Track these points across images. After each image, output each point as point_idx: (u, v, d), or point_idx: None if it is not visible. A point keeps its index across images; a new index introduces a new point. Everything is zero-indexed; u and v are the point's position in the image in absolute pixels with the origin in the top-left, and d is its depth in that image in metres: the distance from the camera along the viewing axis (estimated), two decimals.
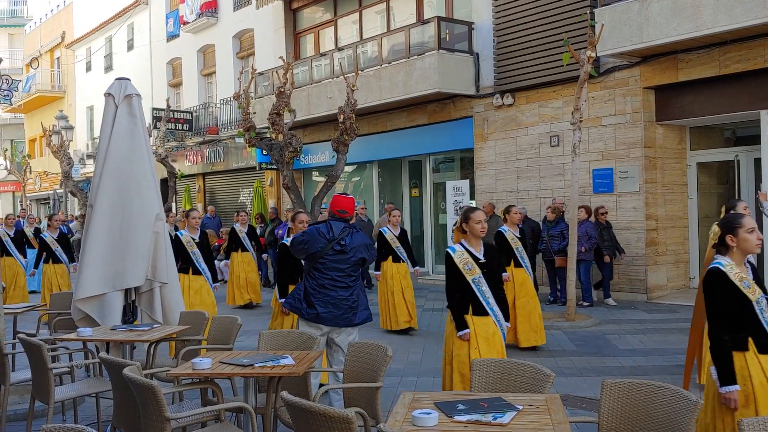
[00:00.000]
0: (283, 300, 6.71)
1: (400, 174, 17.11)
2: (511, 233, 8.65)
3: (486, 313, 5.20)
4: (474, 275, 5.18)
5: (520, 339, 8.48)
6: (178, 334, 5.97)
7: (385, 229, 10.17)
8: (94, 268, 6.09)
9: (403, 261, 10.06)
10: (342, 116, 12.66)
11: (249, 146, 14.54)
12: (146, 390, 3.79)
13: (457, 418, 3.10)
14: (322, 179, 17.40)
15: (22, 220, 17.21)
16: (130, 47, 27.79)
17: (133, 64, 26.71)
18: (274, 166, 15.77)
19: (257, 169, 20.12)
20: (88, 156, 29.12)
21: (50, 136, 19.99)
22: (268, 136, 14.16)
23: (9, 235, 13.57)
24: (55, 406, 5.18)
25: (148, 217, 6.24)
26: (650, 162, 12.25)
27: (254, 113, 14.22)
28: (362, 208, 14.57)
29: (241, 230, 13.39)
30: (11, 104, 31.87)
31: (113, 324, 6.15)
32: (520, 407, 3.26)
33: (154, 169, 6.59)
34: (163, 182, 14.47)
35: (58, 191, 28.57)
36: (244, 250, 13.32)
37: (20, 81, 31.98)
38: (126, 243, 6.14)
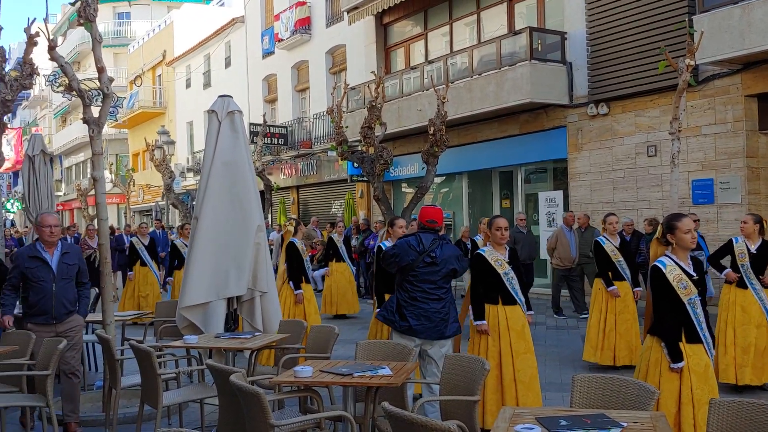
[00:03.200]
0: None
1: (490, 185, 17.01)
2: (743, 244, 7.21)
3: (699, 341, 4.52)
4: (690, 295, 4.49)
5: (738, 374, 7.01)
6: (278, 343, 6.15)
7: (602, 239, 8.53)
8: (199, 277, 6.35)
9: (625, 279, 8.34)
10: (432, 128, 12.73)
11: (341, 159, 14.82)
12: (252, 397, 3.93)
13: None
14: (412, 191, 17.50)
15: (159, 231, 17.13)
16: (228, 64, 28.78)
17: (231, 80, 27.64)
18: (365, 179, 15.99)
19: (348, 181, 20.44)
20: (189, 169, 30.29)
21: (153, 150, 20.90)
22: (360, 149, 14.38)
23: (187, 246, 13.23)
24: (162, 411, 5.40)
25: (250, 229, 6.47)
26: (753, 172, 11.74)
27: (346, 127, 14.46)
28: (521, 219, 13.09)
29: (338, 239, 13.38)
30: (116, 120, 33.61)
31: (216, 332, 6.38)
32: (625, 424, 3.20)
33: (255, 182, 6.82)
34: (260, 195, 14.88)
35: (159, 203, 29.85)
36: (340, 260, 13.30)
37: (124, 98, 33.72)
38: (229, 253, 6.38)
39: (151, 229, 17.19)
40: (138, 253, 13.26)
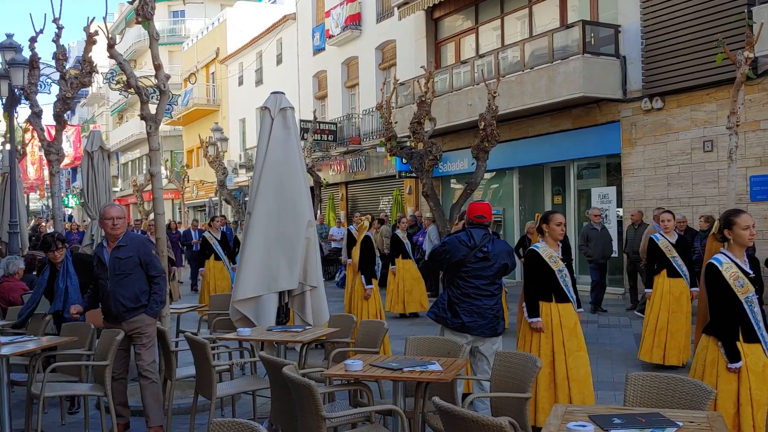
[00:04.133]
0: None
1: (541, 180, 16.83)
2: None
3: (756, 340, 4.43)
4: (747, 293, 4.41)
5: None
6: (328, 336, 6.21)
7: (657, 235, 8.36)
8: (252, 271, 6.44)
9: (681, 276, 8.21)
10: (483, 123, 12.66)
11: (390, 155, 14.84)
12: (304, 389, 3.98)
13: (613, 431, 3.04)
14: (461, 187, 17.44)
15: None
16: (279, 61, 29.08)
17: (282, 77, 27.93)
18: (414, 174, 15.97)
19: (397, 177, 20.48)
20: (241, 166, 30.73)
21: (206, 147, 21.28)
22: (409, 144, 14.38)
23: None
24: (215, 402, 5.49)
25: (301, 224, 6.54)
26: None
27: (395, 123, 14.48)
28: (595, 215, 12.63)
29: (403, 236, 13.03)
30: (171, 117, 34.30)
31: (268, 325, 6.48)
32: (680, 424, 3.14)
33: (306, 178, 6.89)
34: (310, 190, 14.94)
35: (213, 199, 30.35)
36: (406, 257, 12.94)
37: (179, 95, 34.34)
38: (281, 248, 6.46)
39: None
40: (211, 247, 13.31)
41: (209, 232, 13.70)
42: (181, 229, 20.96)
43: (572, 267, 6.16)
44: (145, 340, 5.91)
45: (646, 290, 8.33)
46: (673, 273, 8.16)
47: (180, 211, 33.21)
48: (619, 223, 14.17)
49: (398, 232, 13.24)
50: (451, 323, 5.64)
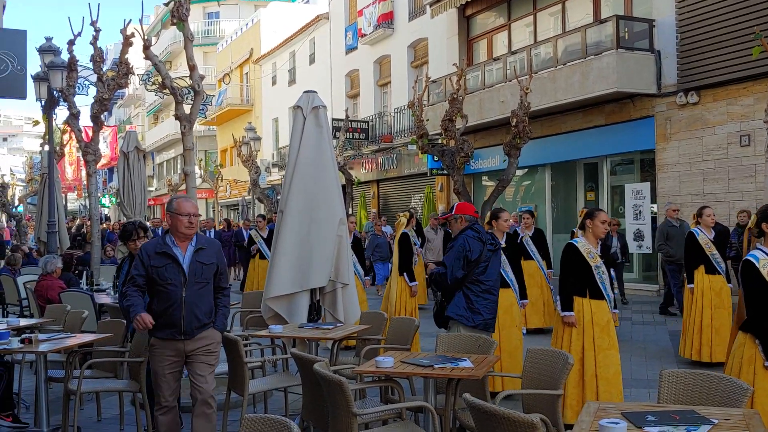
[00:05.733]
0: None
1: (574, 177, 16.67)
2: None
3: None
4: None
5: None
6: (359, 334, 6.24)
7: (697, 230, 8.28)
8: (284, 269, 6.48)
9: (720, 272, 8.18)
10: (515, 119, 12.58)
11: (422, 153, 14.82)
12: (335, 386, 4.00)
13: (647, 429, 2.99)
14: (492, 184, 17.35)
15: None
16: (312, 61, 29.22)
17: (315, 77, 28.06)
18: (445, 172, 15.91)
19: (428, 174, 20.45)
20: (274, 165, 30.93)
21: (240, 146, 21.46)
22: (440, 142, 14.34)
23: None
24: (248, 398, 5.55)
25: (333, 222, 6.56)
26: None
27: (427, 120, 14.45)
28: (673, 210, 11.44)
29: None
30: (205, 117, 34.69)
31: (300, 322, 6.52)
32: (716, 421, 3.10)
33: (337, 176, 6.92)
34: (342, 189, 14.95)
35: (246, 198, 30.60)
36: None
37: (213, 96, 34.69)
38: (313, 246, 6.48)
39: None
40: (257, 245, 13.18)
41: (256, 230, 13.59)
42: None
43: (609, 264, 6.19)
44: (212, 360, 5.02)
45: (689, 285, 8.21)
46: (711, 269, 8.12)
47: (214, 210, 33.59)
48: (653, 219, 13.98)
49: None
50: (473, 322, 5.76)
